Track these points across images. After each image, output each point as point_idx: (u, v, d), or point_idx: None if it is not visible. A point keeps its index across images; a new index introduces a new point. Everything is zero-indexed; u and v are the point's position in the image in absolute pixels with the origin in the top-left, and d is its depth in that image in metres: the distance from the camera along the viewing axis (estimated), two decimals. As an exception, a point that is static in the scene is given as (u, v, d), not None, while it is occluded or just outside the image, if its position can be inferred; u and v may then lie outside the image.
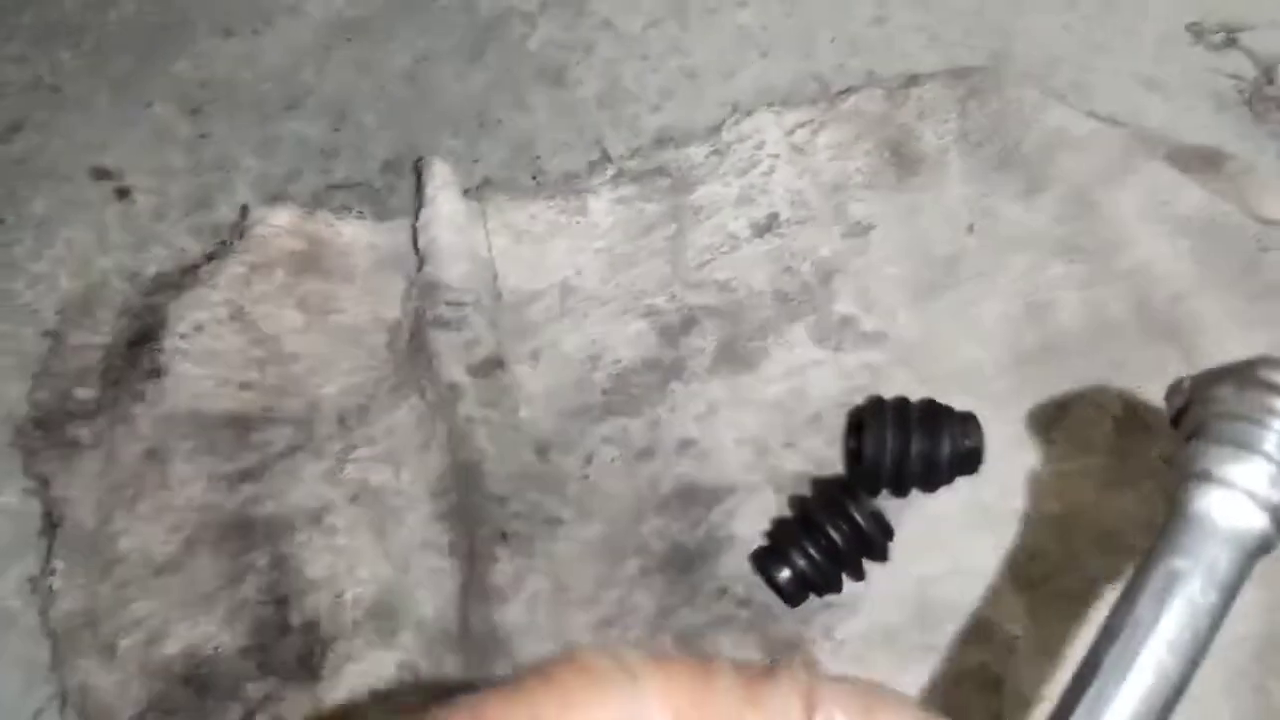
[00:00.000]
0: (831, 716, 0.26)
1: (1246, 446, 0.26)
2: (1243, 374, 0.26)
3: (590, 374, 0.89)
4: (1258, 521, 0.26)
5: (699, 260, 0.92)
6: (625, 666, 0.26)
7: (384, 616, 0.78)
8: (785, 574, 0.76)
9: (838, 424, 0.85)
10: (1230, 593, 0.27)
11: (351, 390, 0.89)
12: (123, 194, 1.01)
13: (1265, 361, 0.27)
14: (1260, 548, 0.27)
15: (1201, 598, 0.26)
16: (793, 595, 0.77)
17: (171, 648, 0.79)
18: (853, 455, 0.82)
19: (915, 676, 0.74)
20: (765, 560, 0.78)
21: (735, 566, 0.80)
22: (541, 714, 0.25)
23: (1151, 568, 0.27)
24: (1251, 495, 0.26)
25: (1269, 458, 0.25)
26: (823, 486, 0.79)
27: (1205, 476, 0.26)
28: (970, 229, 0.91)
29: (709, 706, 0.25)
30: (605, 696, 0.25)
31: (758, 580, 0.79)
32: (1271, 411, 0.25)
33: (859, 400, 0.85)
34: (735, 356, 0.88)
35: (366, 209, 0.98)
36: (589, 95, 1.04)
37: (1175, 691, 0.26)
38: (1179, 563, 0.26)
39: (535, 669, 0.26)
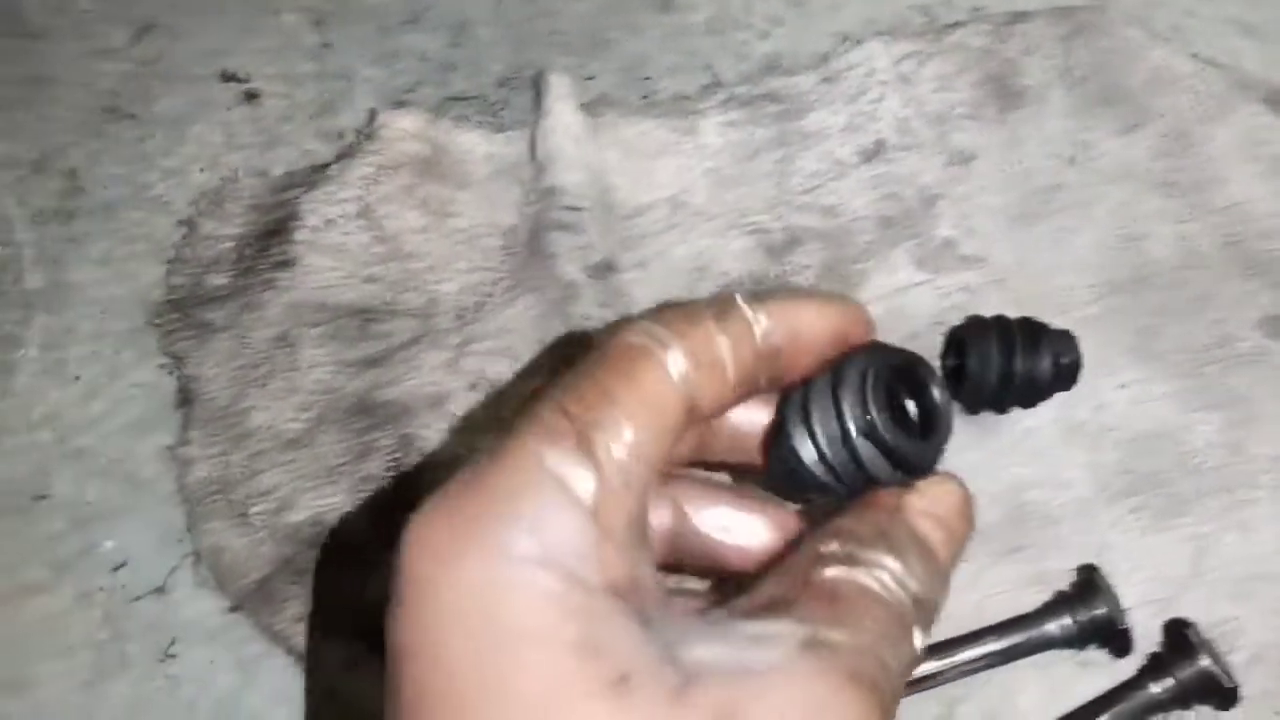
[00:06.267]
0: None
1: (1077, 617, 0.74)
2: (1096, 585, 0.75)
3: (697, 283, 0.93)
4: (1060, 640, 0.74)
5: (806, 185, 0.96)
6: (655, 338, 0.42)
7: (503, 494, 0.82)
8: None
9: (934, 342, 0.89)
10: (1034, 649, 0.74)
11: (468, 289, 0.94)
12: (250, 96, 1.06)
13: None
14: (1051, 644, 0.74)
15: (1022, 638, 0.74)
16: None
17: (299, 515, 0.84)
18: (954, 373, 0.85)
19: (1003, 573, 0.78)
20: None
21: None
22: (614, 393, 0.41)
23: (1028, 619, 0.75)
24: (1065, 635, 0.74)
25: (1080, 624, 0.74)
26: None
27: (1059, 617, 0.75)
28: (1071, 161, 0.94)
29: (693, 332, 0.43)
30: (649, 366, 0.42)
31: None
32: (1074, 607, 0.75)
33: (955, 320, 0.89)
34: (838, 278, 0.92)
35: (483, 121, 1.02)
36: (699, 21, 1.07)
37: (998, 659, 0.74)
38: (1041, 620, 0.75)
39: (594, 353, 0.43)
